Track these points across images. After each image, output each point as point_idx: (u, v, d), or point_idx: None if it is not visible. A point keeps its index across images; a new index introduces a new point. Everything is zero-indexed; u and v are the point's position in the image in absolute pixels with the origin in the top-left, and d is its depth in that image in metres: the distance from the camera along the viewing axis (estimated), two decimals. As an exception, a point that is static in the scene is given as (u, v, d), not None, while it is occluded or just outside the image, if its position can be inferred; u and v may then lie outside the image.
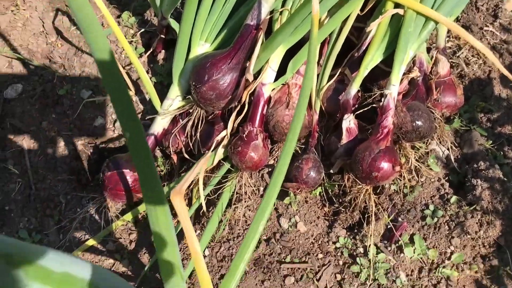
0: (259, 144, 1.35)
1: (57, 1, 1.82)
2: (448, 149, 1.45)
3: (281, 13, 1.43)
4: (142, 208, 1.48)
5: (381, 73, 1.43)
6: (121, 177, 1.41)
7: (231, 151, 1.37)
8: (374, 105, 1.37)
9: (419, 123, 1.33)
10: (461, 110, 1.50)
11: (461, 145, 1.49)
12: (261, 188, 1.48)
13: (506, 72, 1.29)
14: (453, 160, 1.45)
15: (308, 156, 1.39)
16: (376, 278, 1.31)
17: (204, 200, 1.38)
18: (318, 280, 1.33)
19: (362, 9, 1.41)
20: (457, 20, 1.65)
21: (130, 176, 1.41)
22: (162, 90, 1.62)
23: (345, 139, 1.38)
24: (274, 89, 1.41)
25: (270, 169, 1.48)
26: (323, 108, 1.46)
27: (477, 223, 1.35)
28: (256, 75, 1.40)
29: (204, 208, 1.34)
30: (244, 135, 1.35)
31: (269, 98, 1.40)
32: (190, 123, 1.45)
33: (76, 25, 1.78)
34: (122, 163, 1.42)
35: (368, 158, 1.28)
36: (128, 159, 1.44)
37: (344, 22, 1.39)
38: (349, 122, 1.39)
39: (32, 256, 0.44)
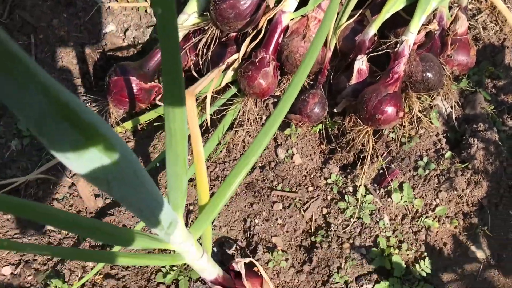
0: (270, 71, 1.36)
1: None
2: (451, 107, 1.48)
3: None
4: (143, 118, 1.49)
5: (400, 22, 1.43)
6: (127, 83, 1.42)
7: (241, 75, 1.38)
8: (389, 50, 1.38)
9: (429, 74, 1.34)
10: (470, 72, 1.52)
11: (464, 105, 1.51)
12: (264, 117, 1.50)
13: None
14: (454, 119, 1.48)
15: (316, 92, 1.40)
16: (361, 217, 1.36)
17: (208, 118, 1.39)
18: (304, 211, 1.38)
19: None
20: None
21: (136, 84, 1.41)
22: (179, 6, 1.60)
23: (354, 80, 1.39)
24: (293, 19, 1.40)
25: (275, 100, 1.50)
26: (338, 47, 1.46)
27: (465, 181, 1.39)
28: (277, 2, 1.40)
29: (209, 121, 1.35)
30: (257, 60, 1.36)
31: (287, 27, 1.40)
32: (203, 40, 1.44)
33: None
34: (130, 70, 1.41)
35: (374, 99, 1.30)
36: (136, 67, 1.43)
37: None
38: (361, 63, 1.40)
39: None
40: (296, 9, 1.40)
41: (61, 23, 1.59)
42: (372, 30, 1.39)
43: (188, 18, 1.46)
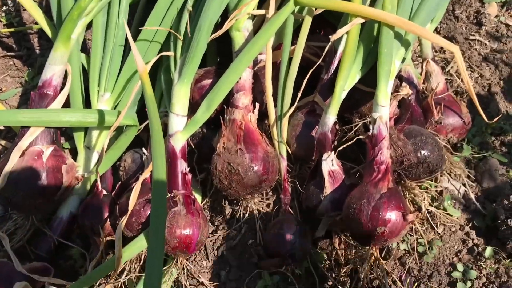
0: (181, 211, 0.95)
1: None
2: (464, 185, 1.09)
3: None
4: None
5: (361, 97, 1.09)
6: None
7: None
8: (361, 137, 1.01)
9: (425, 152, 0.97)
10: (468, 135, 1.16)
11: (478, 178, 1.13)
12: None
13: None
14: (473, 199, 1.08)
15: (288, 218, 0.99)
16: None
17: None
18: None
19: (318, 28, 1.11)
20: (437, 31, 1.37)
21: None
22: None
23: (329, 188, 0.99)
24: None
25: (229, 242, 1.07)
26: (292, 151, 1.09)
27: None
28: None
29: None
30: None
31: (184, 148, 1.03)
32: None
33: None
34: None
35: (367, 208, 0.89)
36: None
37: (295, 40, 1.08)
38: (331, 163, 1.01)
39: None
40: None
41: None
42: (331, 117, 1.03)
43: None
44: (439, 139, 1.06)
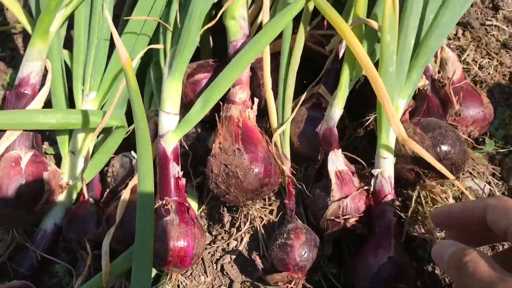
0: (173, 220, 0.85)
1: None
2: (488, 183, 0.98)
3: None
4: None
5: (371, 88, 0.99)
6: None
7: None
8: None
9: (445, 147, 0.86)
10: (490, 128, 1.05)
11: (504, 176, 1.02)
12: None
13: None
14: (500, 199, 0.97)
15: (295, 226, 0.88)
16: None
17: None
18: None
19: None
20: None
21: None
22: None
23: (337, 191, 0.88)
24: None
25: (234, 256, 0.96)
26: (297, 149, 0.98)
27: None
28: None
29: None
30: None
31: (176, 149, 0.93)
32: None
33: None
34: None
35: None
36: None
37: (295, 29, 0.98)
38: (338, 163, 0.90)
39: None
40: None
41: None
42: (337, 110, 0.93)
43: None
44: (459, 132, 0.95)
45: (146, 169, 0.76)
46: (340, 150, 0.91)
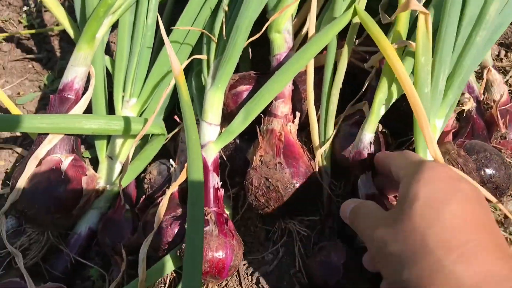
0: (213, 231, 0.85)
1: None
2: (532, 209, 0.97)
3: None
4: None
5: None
6: None
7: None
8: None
9: (490, 171, 0.85)
10: (535, 151, 1.04)
11: (547, 201, 1.00)
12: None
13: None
14: (544, 225, 0.96)
15: (335, 244, 0.87)
16: None
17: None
18: None
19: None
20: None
21: None
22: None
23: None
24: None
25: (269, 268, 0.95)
26: (339, 162, 0.98)
27: None
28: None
29: None
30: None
31: (216, 160, 0.93)
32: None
33: None
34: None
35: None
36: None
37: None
38: (369, 186, 0.89)
39: None
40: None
41: None
42: (367, 133, 0.90)
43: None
44: (504, 156, 0.94)
45: (197, 180, 0.76)
46: (370, 173, 0.90)
